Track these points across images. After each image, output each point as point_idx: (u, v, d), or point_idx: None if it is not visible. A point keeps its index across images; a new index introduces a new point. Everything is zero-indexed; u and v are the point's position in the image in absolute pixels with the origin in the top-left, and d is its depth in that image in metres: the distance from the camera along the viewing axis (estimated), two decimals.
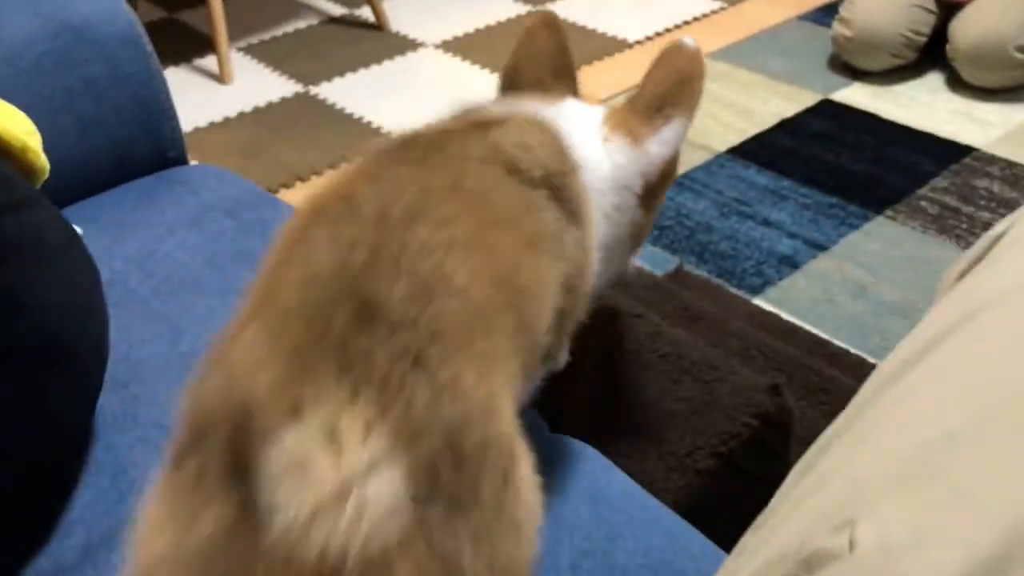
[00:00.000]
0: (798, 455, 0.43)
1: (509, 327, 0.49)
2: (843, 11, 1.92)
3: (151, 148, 0.89)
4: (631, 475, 0.61)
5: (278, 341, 0.42)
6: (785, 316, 1.32)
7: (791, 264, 1.44)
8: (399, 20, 2.30)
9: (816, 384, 0.82)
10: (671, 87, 0.68)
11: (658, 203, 0.69)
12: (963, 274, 0.52)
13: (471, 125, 0.60)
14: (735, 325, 1.04)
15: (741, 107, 1.86)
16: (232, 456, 0.40)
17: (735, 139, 1.76)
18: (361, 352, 0.42)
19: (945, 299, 0.48)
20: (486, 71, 2.07)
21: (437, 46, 2.19)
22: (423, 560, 0.39)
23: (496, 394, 0.44)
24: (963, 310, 0.43)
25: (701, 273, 1.43)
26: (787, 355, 0.86)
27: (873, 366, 1.17)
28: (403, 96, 1.99)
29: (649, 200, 0.67)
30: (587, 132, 0.65)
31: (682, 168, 1.68)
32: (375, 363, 0.41)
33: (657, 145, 0.67)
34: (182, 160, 0.92)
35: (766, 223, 1.53)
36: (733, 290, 1.38)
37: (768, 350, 0.87)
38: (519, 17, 2.30)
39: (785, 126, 1.79)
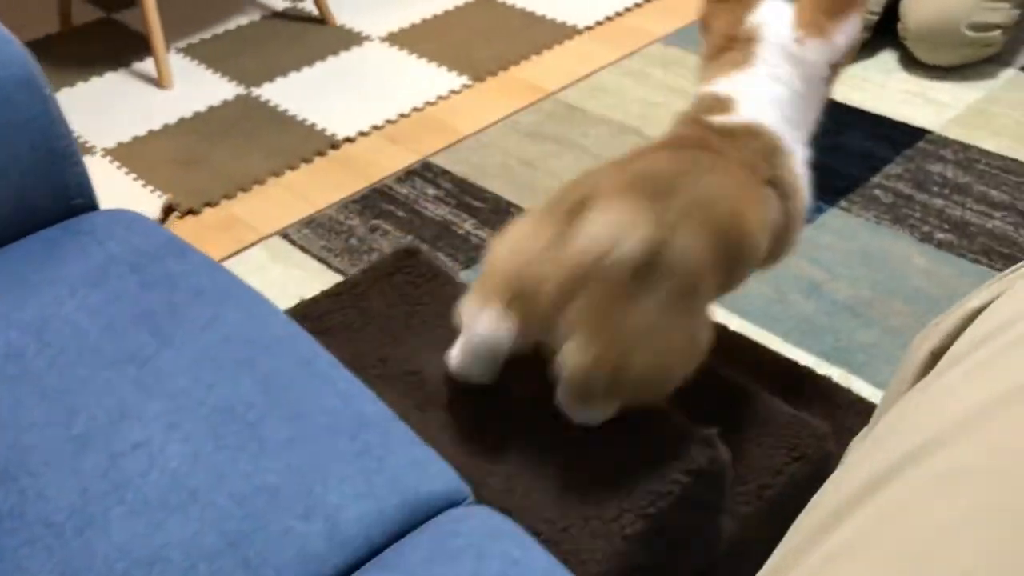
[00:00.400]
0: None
1: (725, 268, 0.81)
2: None
3: (55, 197, 0.84)
4: (555, 545, 0.58)
5: (628, 190, 0.77)
6: (737, 321, 1.30)
7: None
8: (344, 13, 2.23)
9: (761, 417, 0.79)
10: None
11: (838, 78, 0.95)
12: (935, 353, 0.48)
13: (722, 133, 0.88)
14: None
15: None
16: (566, 216, 0.76)
17: None
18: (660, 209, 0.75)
19: (900, 417, 0.42)
20: (434, 64, 2.02)
21: (383, 39, 2.13)
22: (622, 310, 0.72)
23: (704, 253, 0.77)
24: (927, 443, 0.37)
25: None
26: (732, 384, 0.84)
27: (825, 378, 1.14)
28: (350, 95, 1.93)
29: (833, 78, 0.94)
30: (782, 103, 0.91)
31: None
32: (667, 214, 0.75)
33: (843, 37, 0.91)
34: (90, 206, 0.87)
35: None
36: None
37: (712, 378, 0.85)
38: (467, 5, 2.25)
39: None
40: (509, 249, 0.79)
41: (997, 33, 1.75)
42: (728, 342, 1.15)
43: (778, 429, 0.78)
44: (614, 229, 0.73)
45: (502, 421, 0.74)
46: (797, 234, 0.93)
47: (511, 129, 1.78)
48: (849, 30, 0.90)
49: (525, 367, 0.77)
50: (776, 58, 0.91)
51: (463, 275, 1.44)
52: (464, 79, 1.95)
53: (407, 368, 0.83)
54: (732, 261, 0.82)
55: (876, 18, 1.85)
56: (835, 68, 0.93)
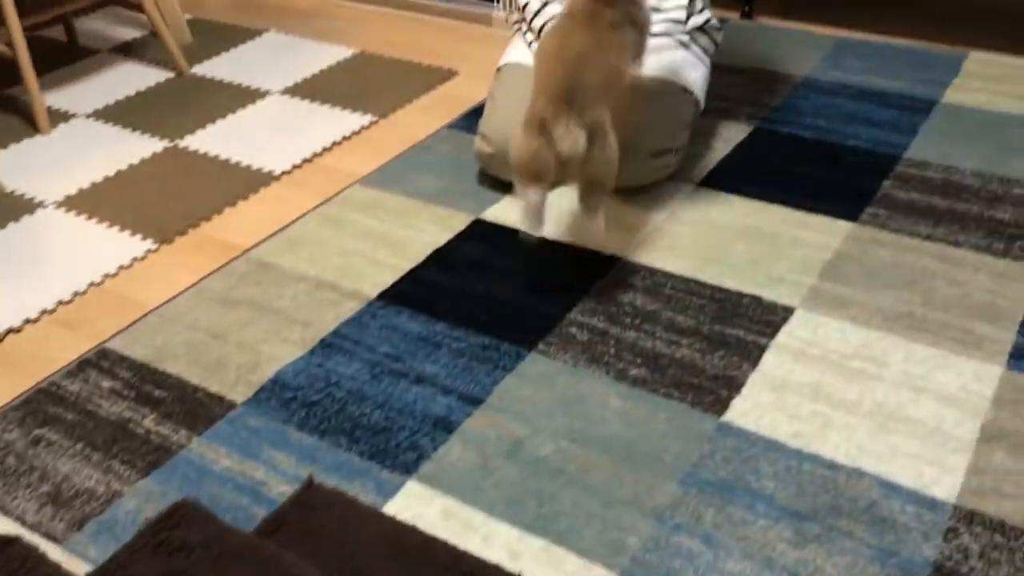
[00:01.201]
0: None
1: (612, 90, 1.54)
2: (481, 126, 1.91)
3: None
4: None
5: (550, 100, 1.47)
6: (441, 501, 1.24)
7: (446, 427, 1.36)
8: (14, 177, 2.03)
9: None
10: None
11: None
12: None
13: (597, 4, 1.56)
14: (362, 557, 0.93)
15: (394, 240, 1.78)
16: (543, 125, 1.46)
17: (389, 279, 1.67)
18: (576, 100, 1.47)
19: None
20: (116, 228, 1.86)
21: (60, 204, 1.95)
22: (593, 155, 1.48)
23: (605, 115, 1.50)
24: None
25: (350, 458, 1.31)
26: None
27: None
28: (17, 275, 1.74)
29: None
30: None
31: (331, 323, 1.58)
32: (580, 103, 1.46)
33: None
34: None
35: (420, 380, 1.45)
36: (386, 474, 1.28)
37: None
38: (154, 157, 2.11)
39: (439, 257, 1.73)
40: (523, 151, 1.49)
41: (671, 155, 1.84)
42: (419, 553, 1.08)
43: None
44: (571, 142, 1.46)
45: None
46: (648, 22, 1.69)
47: (200, 297, 1.66)
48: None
49: None
50: None
51: (142, 484, 1.29)
52: (149, 243, 1.81)
53: None
54: (620, 89, 1.59)
55: None
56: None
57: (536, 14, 1.94)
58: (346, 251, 1.76)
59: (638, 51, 1.66)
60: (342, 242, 1.79)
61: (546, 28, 1.72)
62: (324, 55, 2.58)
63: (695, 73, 1.93)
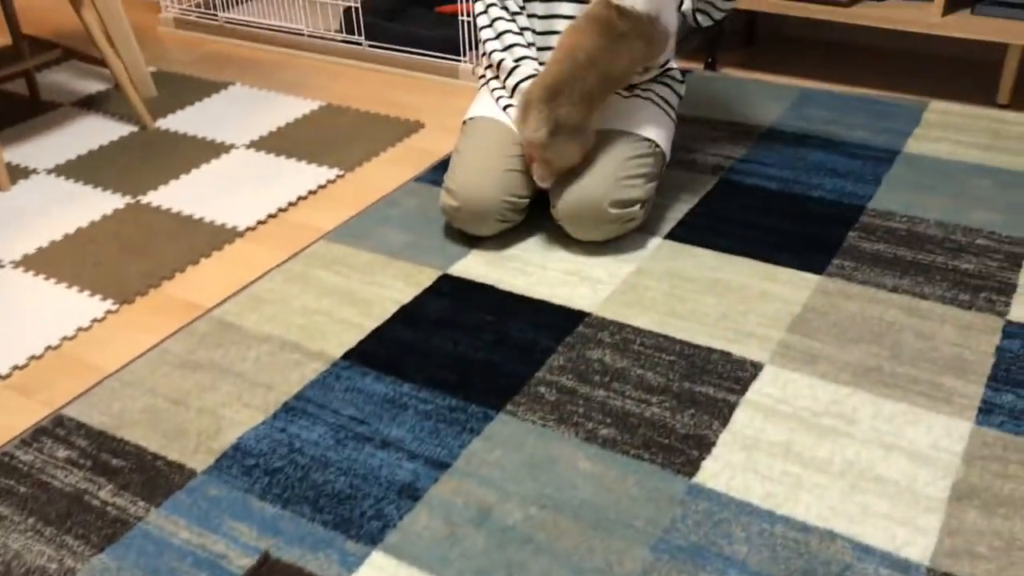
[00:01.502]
0: None
1: (604, 94, 1.80)
2: (447, 180, 1.90)
3: None
4: None
5: (541, 87, 1.74)
6: (406, 571, 1.20)
7: (412, 495, 1.33)
8: None
9: None
10: None
11: None
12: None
13: (618, 11, 1.73)
14: None
15: (360, 297, 1.76)
16: (527, 107, 1.76)
17: (353, 338, 1.65)
18: (564, 94, 1.73)
19: None
20: (75, 289, 1.82)
21: (17, 264, 1.91)
22: (551, 146, 1.75)
23: (585, 115, 1.75)
24: None
25: (313, 528, 1.28)
26: None
27: None
28: None
29: None
30: None
31: (295, 386, 1.55)
32: (567, 98, 1.73)
33: None
34: None
35: (385, 444, 1.42)
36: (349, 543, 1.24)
37: None
38: (116, 213, 2.08)
39: (405, 314, 1.71)
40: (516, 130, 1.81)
41: (637, 207, 1.84)
42: None
43: None
44: (532, 129, 1.74)
45: None
46: (665, 40, 1.86)
47: (161, 360, 1.62)
48: None
49: None
50: None
51: (97, 560, 1.25)
52: (109, 303, 1.77)
53: None
54: (611, 83, 1.80)
55: (527, 200, 1.89)
56: None
57: (510, 73, 1.93)
58: (310, 309, 1.73)
59: (646, 61, 1.87)
60: (306, 300, 1.76)
61: (566, 26, 1.81)
62: (290, 108, 2.57)
63: (660, 126, 1.94)
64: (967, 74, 2.62)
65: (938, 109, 2.39)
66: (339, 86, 2.71)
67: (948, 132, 2.27)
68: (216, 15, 3.12)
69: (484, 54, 1.99)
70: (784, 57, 2.77)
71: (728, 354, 1.57)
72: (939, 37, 2.61)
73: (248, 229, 2.02)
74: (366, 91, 2.68)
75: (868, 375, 1.51)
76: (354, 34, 2.84)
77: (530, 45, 1.96)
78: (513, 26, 1.95)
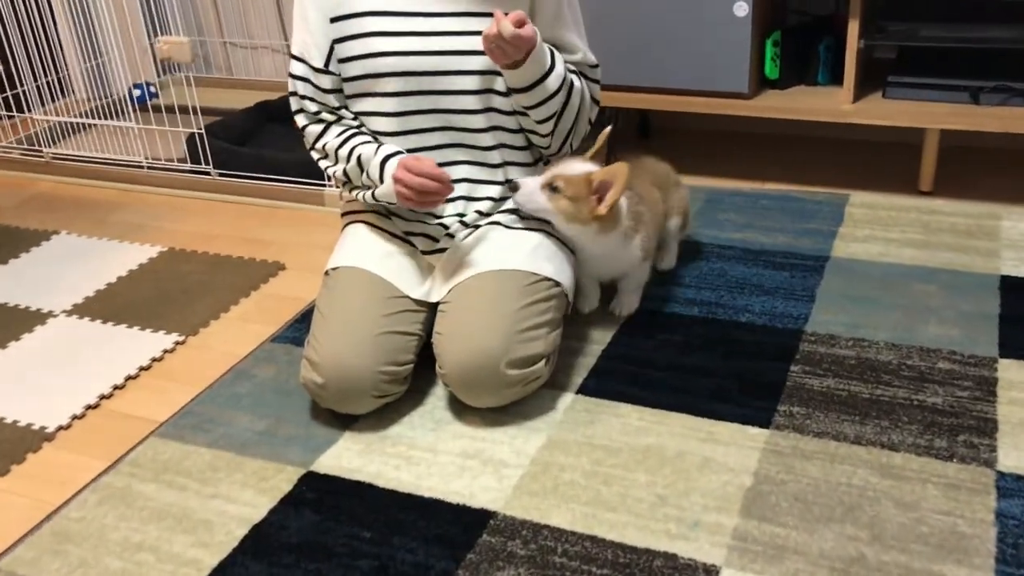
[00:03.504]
0: None
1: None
2: (308, 351, 1.53)
3: None
4: None
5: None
6: None
7: None
8: None
9: None
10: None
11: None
12: None
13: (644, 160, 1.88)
14: None
15: (198, 519, 1.36)
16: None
17: None
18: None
19: None
20: None
21: None
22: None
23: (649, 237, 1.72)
24: None
25: None
26: None
27: None
28: None
29: None
30: None
31: None
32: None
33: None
34: None
35: None
36: None
37: None
38: None
39: (255, 539, 1.32)
40: None
41: (541, 364, 1.51)
42: None
43: None
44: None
45: None
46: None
47: None
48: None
49: None
50: None
51: None
52: None
53: None
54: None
55: (412, 365, 1.54)
56: None
57: (368, 157, 1.56)
58: (131, 545, 1.32)
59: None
60: (127, 531, 1.35)
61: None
62: (123, 258, 2.18)
63: (559, 260, 1.63)
64: (883, 158, 2.42)
65: (860, 202, 2.16)
66: (184, 225, 2.34)
67: (876, 229, 2.03)
68: (41, 151, 2.71)
69: (337, 185, 1.65)
70: (685, 153, 2.53)
71: (674, 557, 1.23)
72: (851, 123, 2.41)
73: (60, 428, 1.60)
74: (216, 229, 2.31)
75: (851, 571, 1.19)
76: (200, 163, 2.48)
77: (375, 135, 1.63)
78: (336, 134, 1.61)
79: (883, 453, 1.38)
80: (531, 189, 1.59)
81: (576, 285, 1.72)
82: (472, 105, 1.57)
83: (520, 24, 1.44)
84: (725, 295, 1.83)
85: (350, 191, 1.65)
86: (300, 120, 1.63)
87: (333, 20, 1.56)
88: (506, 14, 1.44)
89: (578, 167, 1.60)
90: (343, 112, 1.62)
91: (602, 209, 1.57)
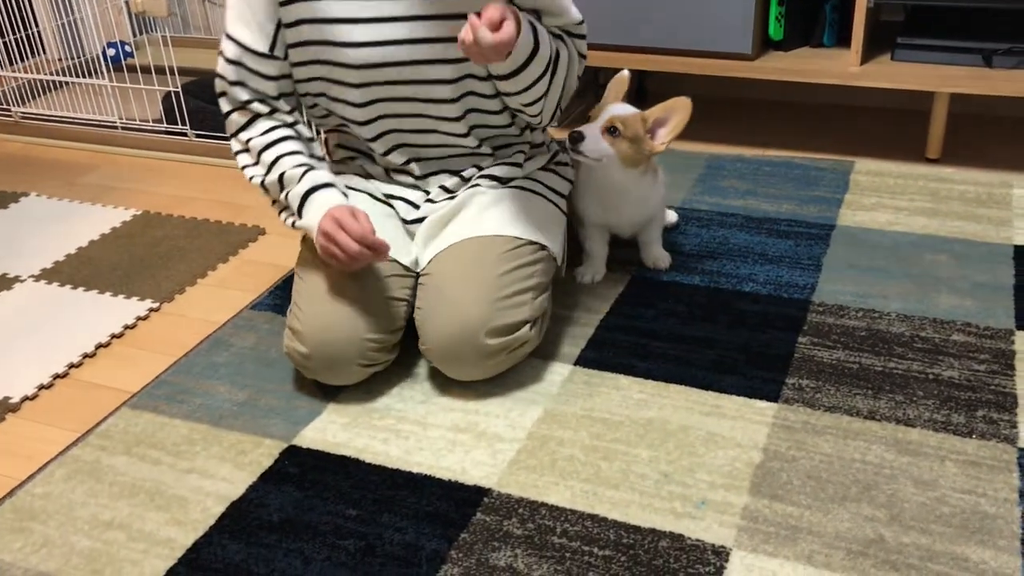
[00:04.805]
0: None
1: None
2: (290, 320, 1.44)
3: None
4: None
5: None
6: None
7: None
8: None
9: None
10: None
11: None
12: None
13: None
14: None
15: (172, 495, 1.28)
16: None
17: (160, 566, 1.16)
18: None
19: None
20: None
21: None
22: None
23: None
24: None
25: None
26: None
27: None
28: None
29: None
30: None
31: None
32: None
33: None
34: None
35: None
36: None
37: None
38: None
39: (233, 518, 1.23)
40: None
41: (527, 329, 1.42)
42: None
43: None
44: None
45: None
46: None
47: None
48: None
49: None
50: None
51: None
52: None
53: None
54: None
55: (400, 334, 1.46)
56: None
57: (260, 155, 1.44)
58: (100, 523, 1.24)
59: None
60: (96, 509, 1.26)
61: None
62: (96, 221, 2.07)
63: (548, 223, 1.54)
64: (889, 125, 2.34)
65: (866, 170, 2.08)
66: (159, 188, 2.23)
67: (883, 197, 1.96)
68: (10, 110, 2.59)
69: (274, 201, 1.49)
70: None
71: (680, 538, 1.16)
72: (857, 88, 2.32)
73: (25, 399, 1.51)
74: (193, 191, 2.20)
75: (868, 553, 1.12)
76: (177, 123, 2.36)
77: (311, 140, 1.49)
78: (262, 130, 1.45)
79: (899, 429, 1.31)
80: (596, 136, 1.52)
81: (586, 253, 1.65)
82: (448, 95, 1.44)
83: (498, 25, 1.27)
84: (728, 264, 1.75)
85: (271, 203, 1.49)
86: (224, 105, 1.46)
87: (283, 2, 1.39)
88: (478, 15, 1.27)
89: (625, 108, 1.56)
90: (279, 104, 1.45)
91: (659, 147, 1.55)
